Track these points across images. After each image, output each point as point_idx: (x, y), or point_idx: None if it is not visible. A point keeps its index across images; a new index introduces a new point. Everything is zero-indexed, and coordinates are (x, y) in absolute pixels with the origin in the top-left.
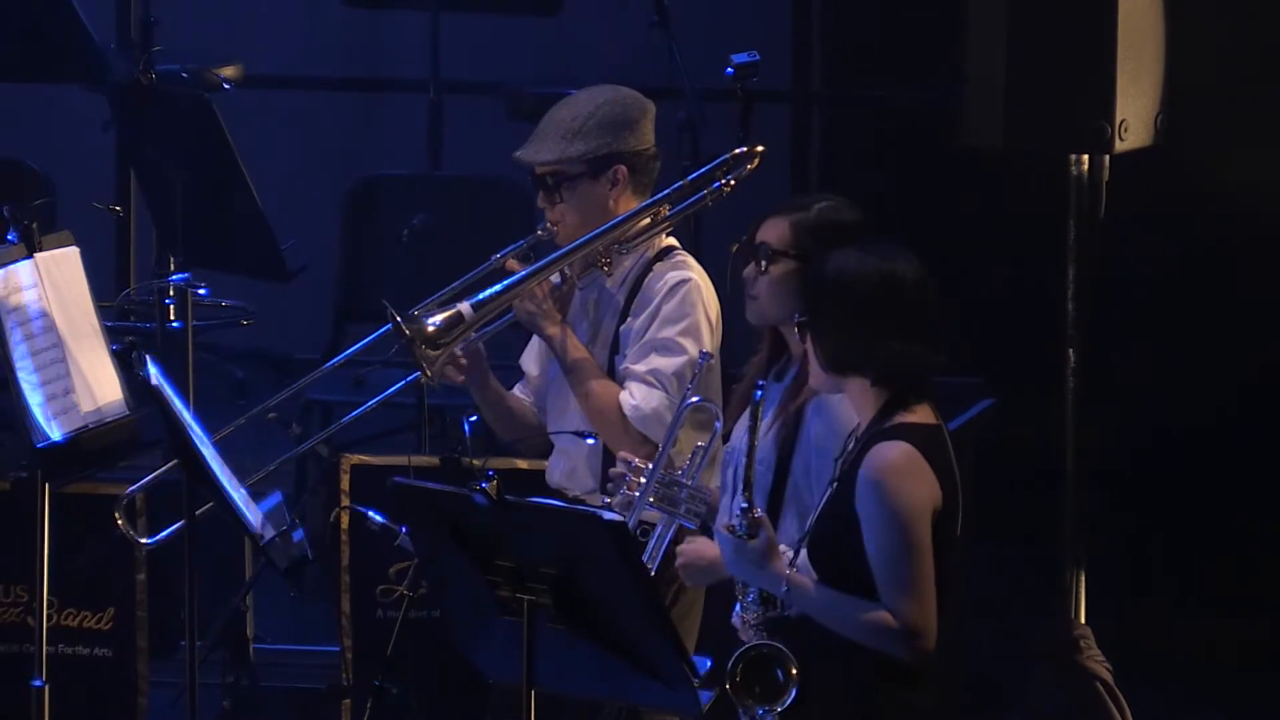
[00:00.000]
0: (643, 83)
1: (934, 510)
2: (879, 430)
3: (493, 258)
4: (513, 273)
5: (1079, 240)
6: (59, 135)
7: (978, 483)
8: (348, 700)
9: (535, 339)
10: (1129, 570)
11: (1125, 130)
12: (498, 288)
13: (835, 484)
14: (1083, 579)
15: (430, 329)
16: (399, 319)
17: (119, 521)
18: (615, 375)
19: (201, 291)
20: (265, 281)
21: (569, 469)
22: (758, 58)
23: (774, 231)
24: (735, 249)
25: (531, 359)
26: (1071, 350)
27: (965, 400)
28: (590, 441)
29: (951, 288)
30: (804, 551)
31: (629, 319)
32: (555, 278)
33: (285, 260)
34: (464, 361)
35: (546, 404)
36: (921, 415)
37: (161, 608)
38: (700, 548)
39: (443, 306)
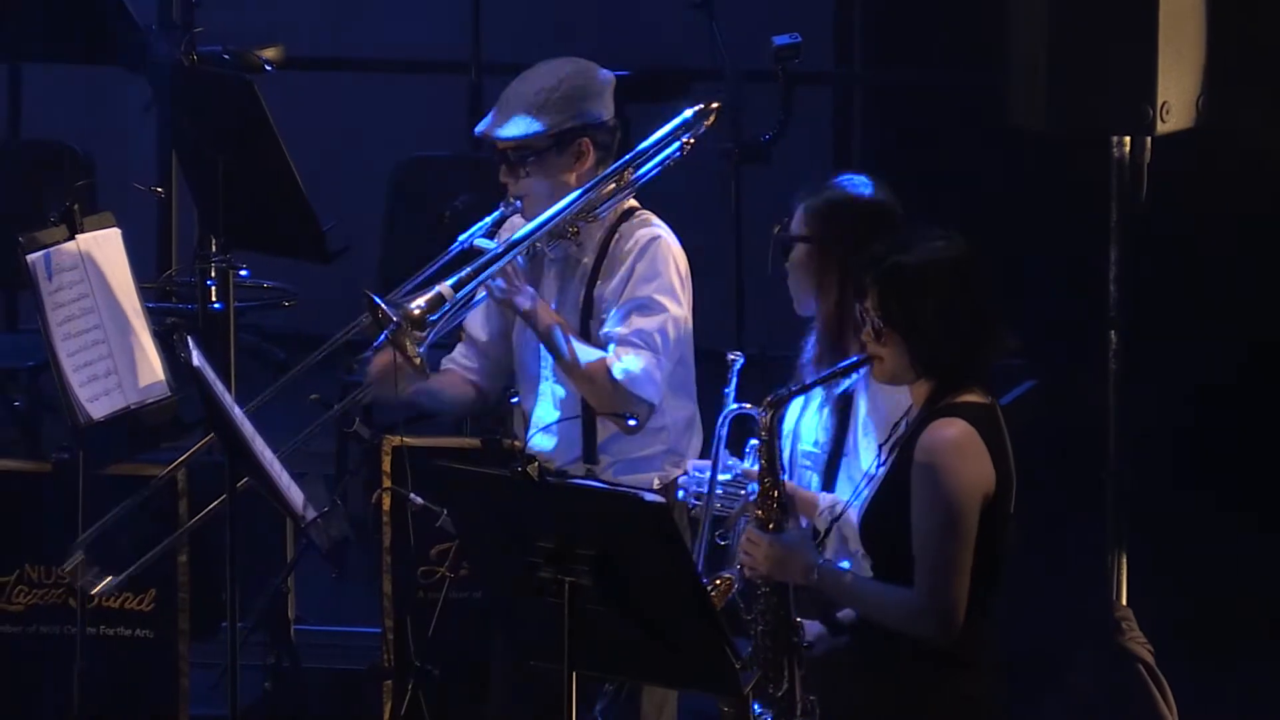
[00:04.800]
0: (684, 64)
1: (985, 493)
2: (934, 409)
3: (460, 238)
4: (483, 252)
5: (1120, 222)
6: (101, 117)
7: (1019, 464)
8: (389, 681)
9: (483, 306)
10: (1170, 552)
11: (1167, 112)
12: (473, 268)
13: (887, 465)
14: (1124, 561)
15: (416, 312)
16: (381, 303)
17: (67, 572)
18: (591, 339)
19: (243, 273)
20: (307, 263)
21: (549, 444)
22: (799, 39)
23: (794, 219)
24: (777, 230)
25: (478, 323)
26: (1113, 332)
27: (1008, 382)
28: (636, 423)
29: (994, 269)
30: (850, 523)
31: (600, 282)
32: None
33: (327, 242)
34: (417, 363)
35: (518, 374)
36: (975, 394)
37: (203, 589)
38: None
39: (422, 289)
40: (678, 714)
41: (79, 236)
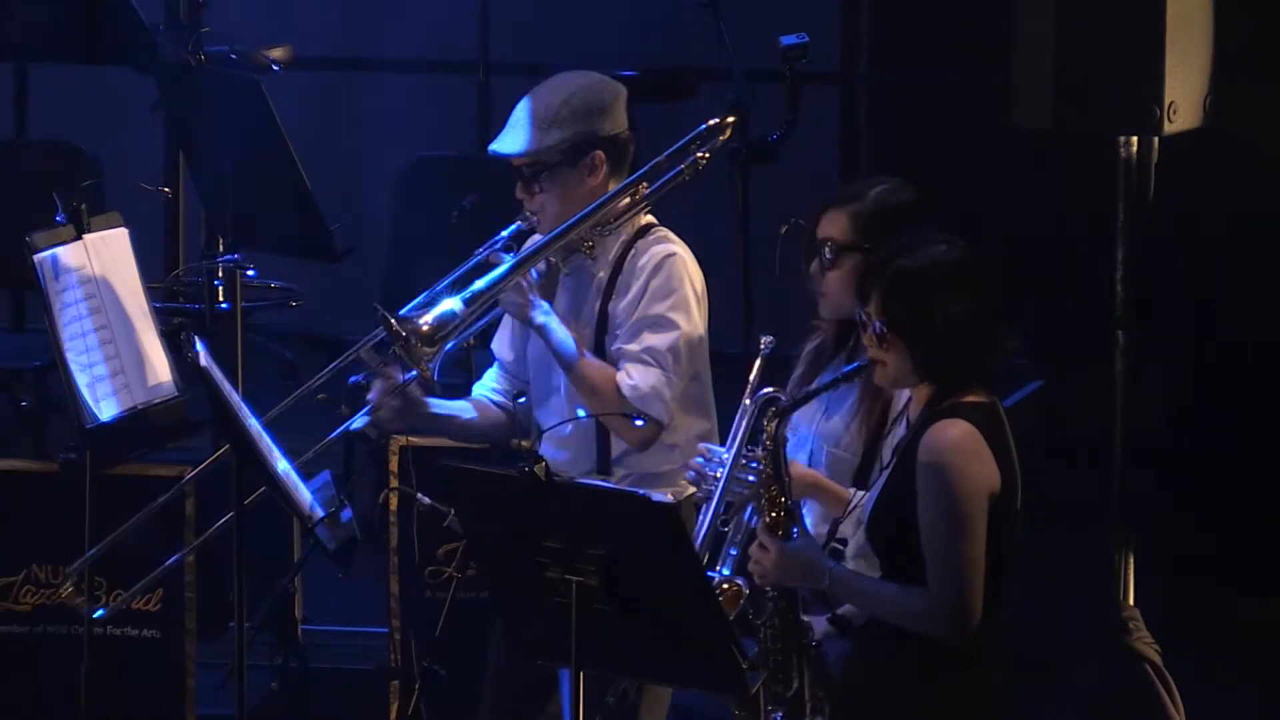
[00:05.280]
0: (691, 64)
1: (991, 492)
2: (936, 411)
3: (477, 252)
4: (496, 265)
5: (1127, 222)
6: (108, 117)
7: (1025, 464)
8: (396, 681)
9: (507, 322)
10: (1177, 552)
11: (1174, 112)
12: (485, 282)
13: (891, 469)
14: (1131, 561)
15: (425, 327)
16: (392, 319)
17: (66, 593)
18: (605, 355)
19: (250, 273)
20: (314, 263)
21: (562, 454)
22: (806, 40)
23: (834, 226)
24: (784, 231)
25: (505, 344)
26: (1120, 332)
27: (1014, 382)
28: (582, 415)
29: (999, 269)
30: (861, 535)
31: (615, 298)
32: (541, 265)
33: (334, 241)
34: (429, 375)
35: (531, 385)
36: (977, 394)
37: (210, 589)
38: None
39: (433, 304)
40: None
41: (86, 236)
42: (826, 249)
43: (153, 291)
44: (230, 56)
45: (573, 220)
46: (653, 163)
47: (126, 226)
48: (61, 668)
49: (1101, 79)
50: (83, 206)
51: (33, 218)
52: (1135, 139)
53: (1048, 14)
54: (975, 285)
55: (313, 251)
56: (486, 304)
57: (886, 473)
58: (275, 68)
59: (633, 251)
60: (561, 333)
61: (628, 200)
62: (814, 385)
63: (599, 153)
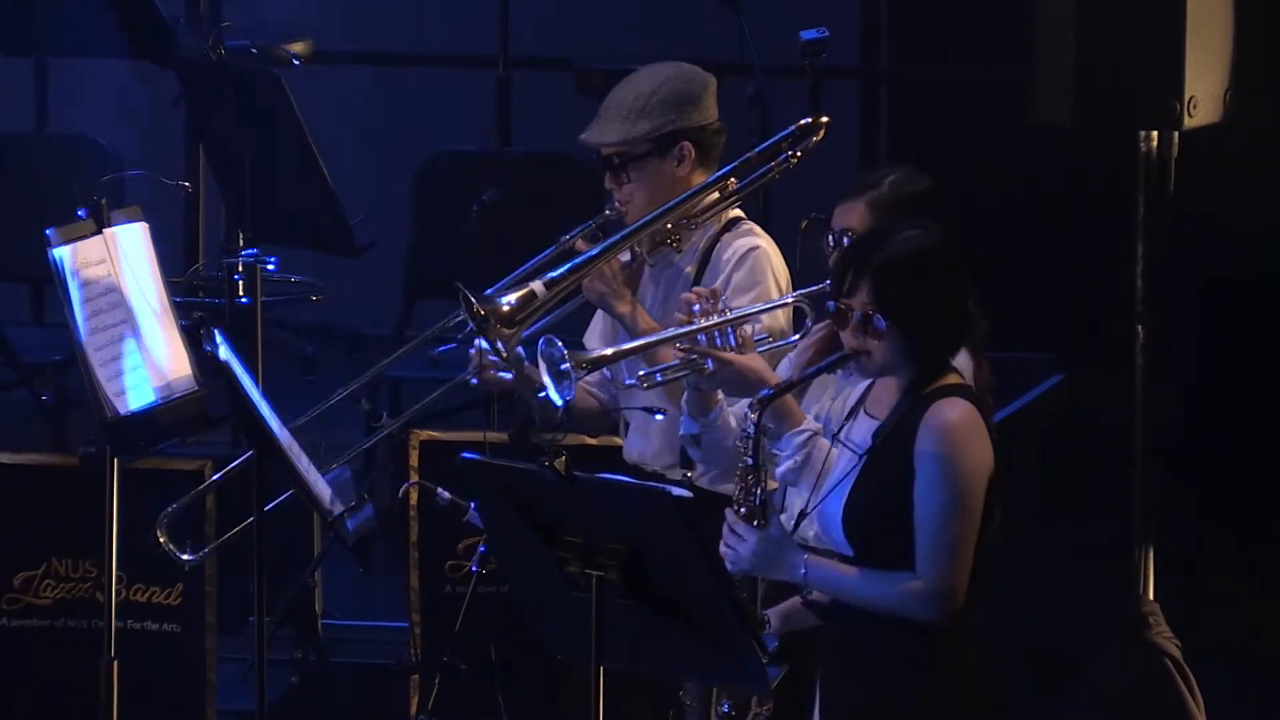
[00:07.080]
0: (711, 59)
1: (989, 472)
2: (923, 395)
3: (562, 238)
4: (582, 253)
5: (1148, 217)
6: (128, 112)
7: (1046, 459)
8: (416, 676)
9: (599, 315)
10: (1197, 547)
11: (1194, 107)
12: (569, 266)
13: (868, 458)
14: (1151, 556)
15: (505, 308)
16: (473, 299)
17: (160, 539)
18: None
19: (270, 267)
20: (334, 257)
21: (647, 445)
22: (826, 34)
23: (852, 215)
24: (804, 226)
25: (596, 336)
26: (1140, 327)
27: (1034, 377)
28: (659, 418)
29: (1020, 265)
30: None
31: None
32: (625, 256)
33: (354, 236)
34: (505, 356)
35: (619, 380)
36: (955, 378)
37: (230, 583)
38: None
39: (516, 286)
40: None
41: (106, 231)
42: (846, 239)
43: (172, 286)
44: (251, 51)
45: (659, 211)
46: (743, 158)
47: (146, 221)
48: (82, 661)
49: (1122, 74)
50: (103, 201)
51: (53, 212)
52: (1155, 134)
53: (1068, 9)
54: (957, 267)
55: (333, 246)
56: (568, 289)
57: (863, 461)
58: (296, 62)
59: (719, 245)
60: (641, 321)
61: (715, 194)
62: (796, 376)
63: (687, 144)
